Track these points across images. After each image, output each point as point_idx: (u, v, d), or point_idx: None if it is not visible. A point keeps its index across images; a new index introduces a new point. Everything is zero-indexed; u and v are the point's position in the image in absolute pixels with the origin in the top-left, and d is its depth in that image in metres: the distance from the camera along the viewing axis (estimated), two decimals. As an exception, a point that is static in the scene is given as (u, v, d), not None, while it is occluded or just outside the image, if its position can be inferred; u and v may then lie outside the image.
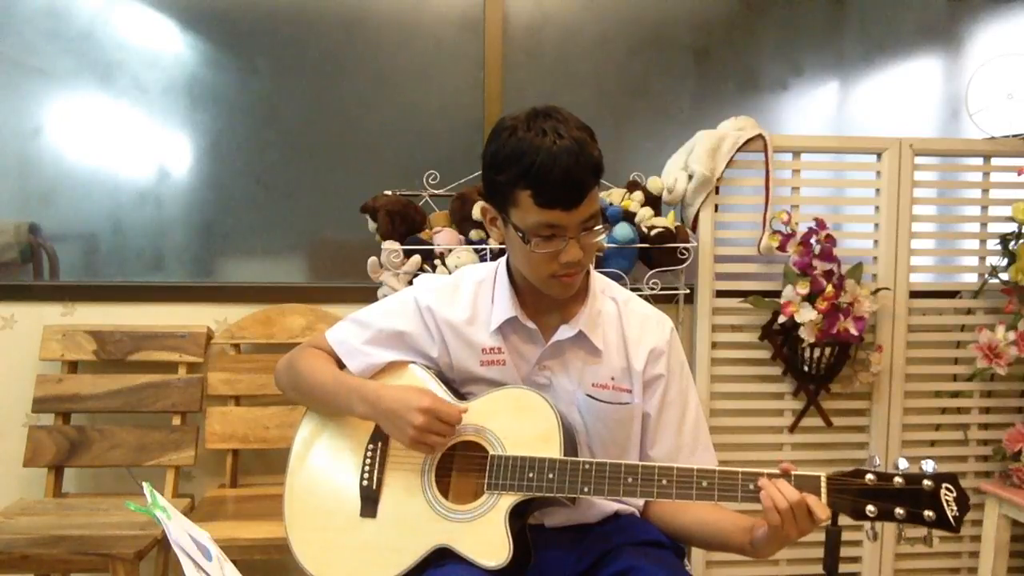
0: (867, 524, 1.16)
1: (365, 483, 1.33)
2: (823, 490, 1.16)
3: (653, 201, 2.26)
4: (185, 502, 2.15)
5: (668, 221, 2.24)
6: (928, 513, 1.13)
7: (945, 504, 1.13)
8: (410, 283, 1.72)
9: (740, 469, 1.20)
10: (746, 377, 2.33)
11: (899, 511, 1.13)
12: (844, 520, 1.18)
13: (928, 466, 1.15)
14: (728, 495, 1.20)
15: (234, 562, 1.06)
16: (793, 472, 1.18)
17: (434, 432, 1.26)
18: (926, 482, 1.14)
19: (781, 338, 2.28)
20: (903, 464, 1.16)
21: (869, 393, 2.35)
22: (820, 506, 1.14)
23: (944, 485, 1.13)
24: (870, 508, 1.14)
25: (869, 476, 1.15)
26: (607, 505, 1.38)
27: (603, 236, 1.29)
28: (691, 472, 1.22)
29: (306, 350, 1.45)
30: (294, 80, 2.42)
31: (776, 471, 1.19)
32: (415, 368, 1.40)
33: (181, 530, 0.96)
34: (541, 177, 1.19)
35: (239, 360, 2.27)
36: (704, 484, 1.21)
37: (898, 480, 1.14)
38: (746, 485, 1.19)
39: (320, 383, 1.37)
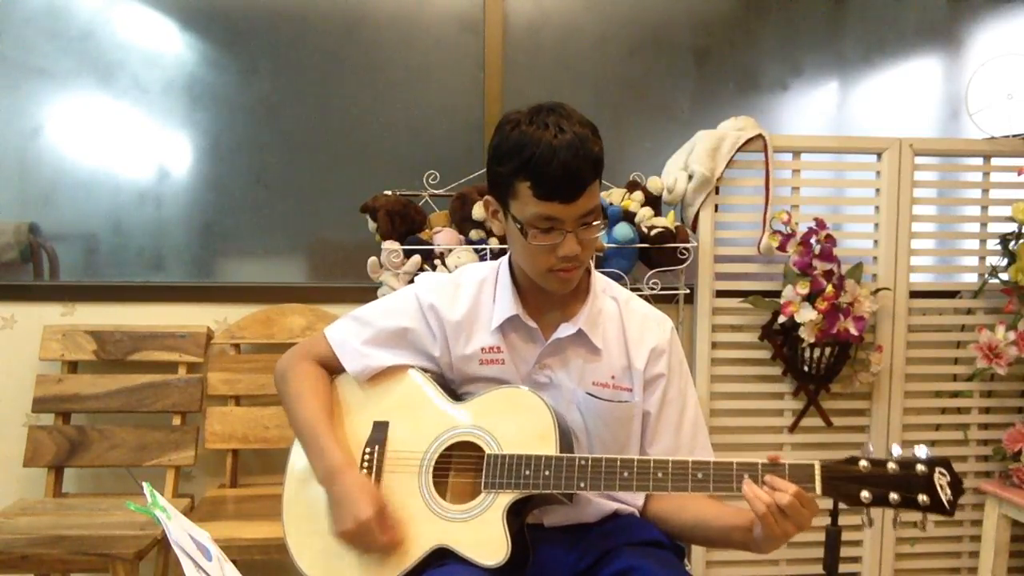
0: (862, 511, 1.16)
1: (363, 485, 1.32)
2: (817, 477, 1.16)
3: (653, 201, 2.26)
4: (185, 502, 2.15)
5: (668, 221, 2.24)
6: (922, 497, 1.13)
7: (939, 488, 1.13)
8: (410, 282, 1.72)
9: (735, 459, 1.20)
10: (746, 377, 2.33)
11: (893, 496, 1.13)
12: (842, 514, 1.18)
13: (921, 451, 1.16)
14: (723, 486, 1.19)
15: (234, 562, 1.06)
16: (786, 462, 1.18)
17: (354, 543, 1.25)
18: (919, 467, 1.14)
19: (781, 338, 2.28)
20: (897, 450, 1.17)
21: (869, 393, 2.35)
22: (812, 503, 1.15)
23: (938, 469, 1.14)
24: (864, 494, 1.14)
25: (863, 463, 1.15)
26: (606, 504, 1.38)
27: (602, 232, 1.29)
28: (686, 464, 1.22)
29: (303, 365, 1.43)
30: (294, 80, 2.42)
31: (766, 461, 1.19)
32: (413, 373, 1.40)
33: (181, 530, 0.95)
34: (540, 169, 1.20)
35: (239, 360, 2.27)
36: (699, 476, 1.20)
37: (892, 466, 1.15)
38: (740, 476, 1.18)
39: (299, 419, 1.36)
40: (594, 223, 1.27)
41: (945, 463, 1.14)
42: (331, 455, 1.30)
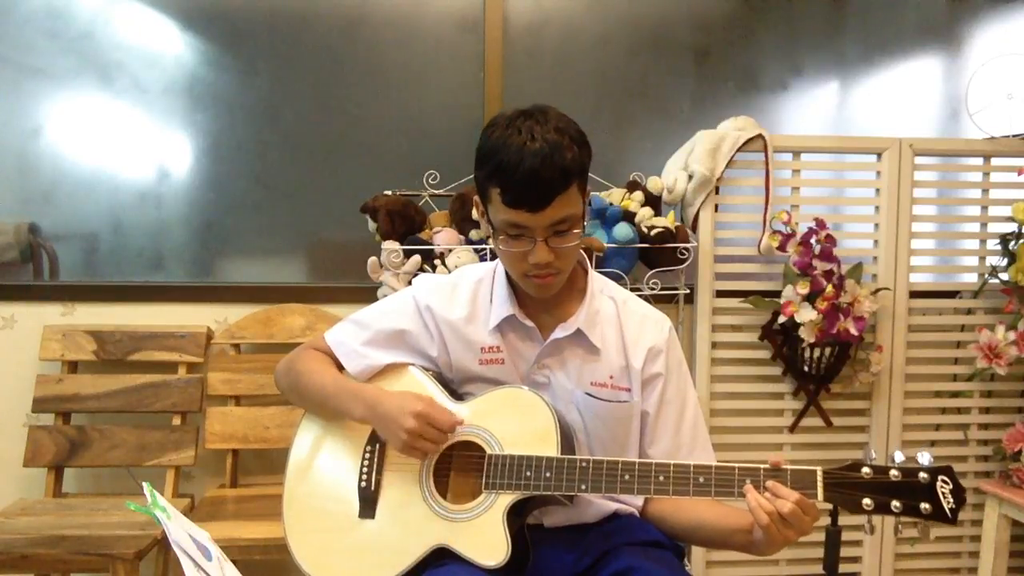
0: (864, 518, 1.16)
1: (363, 484, 1.33)
2: (819, 484, 1.16)
3: (653, 201, 2.26)
4: (185, 502, 2.16)
5: (668, 221, 2.24)
6: (925, 506, 1.13)
7: (941, 496, 1.13)
8: (409, 283, 1.73)
9: (737, 464, 1.20)
10: (746, 377, 2.33)
11: (895, 504, 1.13)
12: (842, 515, 1.18)
13: (924, 458, 1.15)
14: (725, 491, 1.19)
15: (234, 562, 1.06)
16: (788, 467, 1.18)
17: (426, 437, 1.25)
18: (922, 475, 1.14)
19: (781, 338, 2.28)
20: (899, 457, 1.16)
21: (869, 393, 2.35)
22: (814, 510, 1.15)
23: (940, 478, 1.13)
24: (866, 502, 1.14)
25: (865, 469, 1.15)
26: (606, 505, 1.38)
27: (576, 241, 1.26)
28: (688, 468, 1.21)
29: (306, 352, 1.45)
30: (294, 80, 2.42)
31: (768, 465, 1.19)
32: (414, 370, 1.40)
33: (181, 530, 0.95)
34: (507, 176, 1.19)
35: (239, 360, 2.27)
36: (701, 480, 1.20)
37: (894, 473, 1.14)
38: (742, 480, 1.18)
39: (319, 385, 1.37)
40: (571, 231, 1.24)
41: (948, 471, 1.14)
42: (368, 389, 1.34)
